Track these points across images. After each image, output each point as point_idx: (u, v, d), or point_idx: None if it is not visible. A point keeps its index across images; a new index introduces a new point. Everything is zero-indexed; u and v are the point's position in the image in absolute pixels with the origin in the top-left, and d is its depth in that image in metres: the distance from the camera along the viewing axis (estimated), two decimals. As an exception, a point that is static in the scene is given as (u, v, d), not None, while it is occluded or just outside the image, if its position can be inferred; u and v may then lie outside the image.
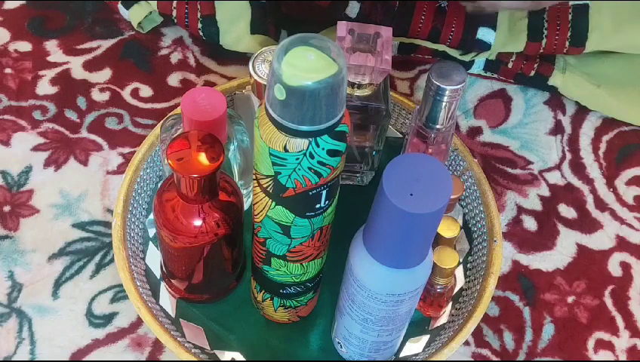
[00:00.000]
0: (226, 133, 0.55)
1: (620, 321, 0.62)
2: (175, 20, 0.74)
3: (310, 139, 0.40)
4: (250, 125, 0.57)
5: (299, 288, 0.53)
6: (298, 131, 0.40)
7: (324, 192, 0.44)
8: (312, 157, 0.41)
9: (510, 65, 0.75)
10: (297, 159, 0.41)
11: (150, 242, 0.61)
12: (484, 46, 0.73)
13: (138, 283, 0.56)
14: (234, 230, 0.52)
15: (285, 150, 0.41)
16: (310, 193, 0.43)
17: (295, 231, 0.46)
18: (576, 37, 0.71)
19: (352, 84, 0.57)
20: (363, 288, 0.47)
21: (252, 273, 0.55)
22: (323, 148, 0.41)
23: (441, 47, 0.74)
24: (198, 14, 0.73)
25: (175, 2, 0.73)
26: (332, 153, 0.41)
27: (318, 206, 0.45)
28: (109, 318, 0.59)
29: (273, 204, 0.45)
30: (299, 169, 0.41)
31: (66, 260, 0.61)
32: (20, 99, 0.71)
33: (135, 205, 0.60)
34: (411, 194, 0.40)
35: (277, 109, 0.39)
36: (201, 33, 0.73)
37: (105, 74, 0.74)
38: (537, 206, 0.69)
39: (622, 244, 0.67)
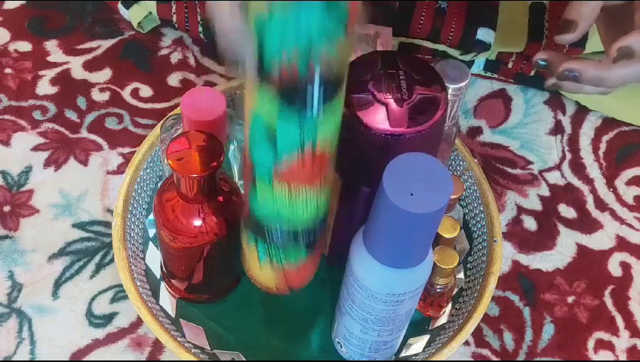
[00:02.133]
0: (226, 133, 0.55)
1: (619, 321, 0.62)
2: (176, 25, 0.74)
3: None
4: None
5: (286, 235, 0.47)
6: None
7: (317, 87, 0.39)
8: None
9: (510, 65, 0.75)
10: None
11: (150, 242, 0.61)
12: (484, 46, 0.73)
13: (138, 283, 0.56)
14: (234, 230, 0.52)
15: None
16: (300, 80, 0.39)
17: (281, 136, 0.42)
18: None
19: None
20: (363, 288, 0.47)
21: (242, 222, 0.50)
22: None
23: (441, 47, 0.74)
24: (198, 17, 0.73)
25: (174, 7, 0.73)
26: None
27: (309, 100, 0.40)
28: (109, 318, 0.59)
29: (259, 88, 0.40)
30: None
31: (66, 260, 0.61)
32: (20, 99, 0.71)
33: (135, 205, 0.60)
34: (412, 194, 0.40)
35: None
36: (202, 36, 0.74)
37: (105, 74, 0.74)
38: (537, 206, 0.69)
39: (622, 244, 0.67)
